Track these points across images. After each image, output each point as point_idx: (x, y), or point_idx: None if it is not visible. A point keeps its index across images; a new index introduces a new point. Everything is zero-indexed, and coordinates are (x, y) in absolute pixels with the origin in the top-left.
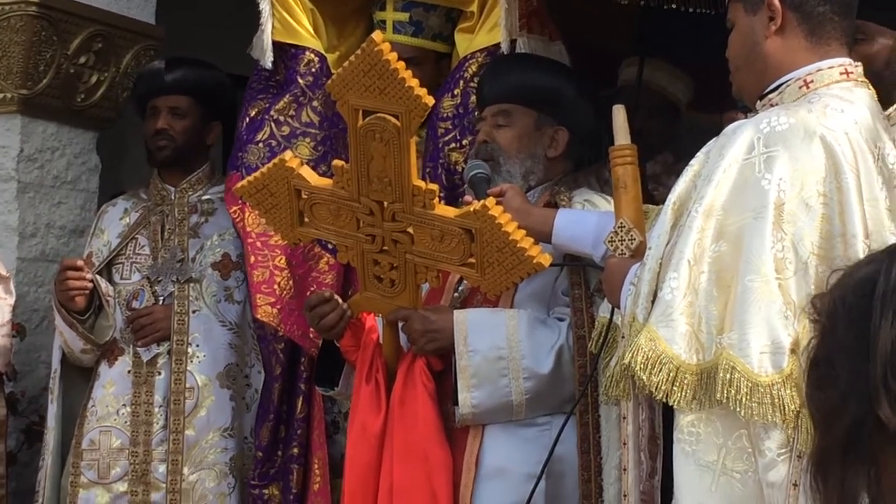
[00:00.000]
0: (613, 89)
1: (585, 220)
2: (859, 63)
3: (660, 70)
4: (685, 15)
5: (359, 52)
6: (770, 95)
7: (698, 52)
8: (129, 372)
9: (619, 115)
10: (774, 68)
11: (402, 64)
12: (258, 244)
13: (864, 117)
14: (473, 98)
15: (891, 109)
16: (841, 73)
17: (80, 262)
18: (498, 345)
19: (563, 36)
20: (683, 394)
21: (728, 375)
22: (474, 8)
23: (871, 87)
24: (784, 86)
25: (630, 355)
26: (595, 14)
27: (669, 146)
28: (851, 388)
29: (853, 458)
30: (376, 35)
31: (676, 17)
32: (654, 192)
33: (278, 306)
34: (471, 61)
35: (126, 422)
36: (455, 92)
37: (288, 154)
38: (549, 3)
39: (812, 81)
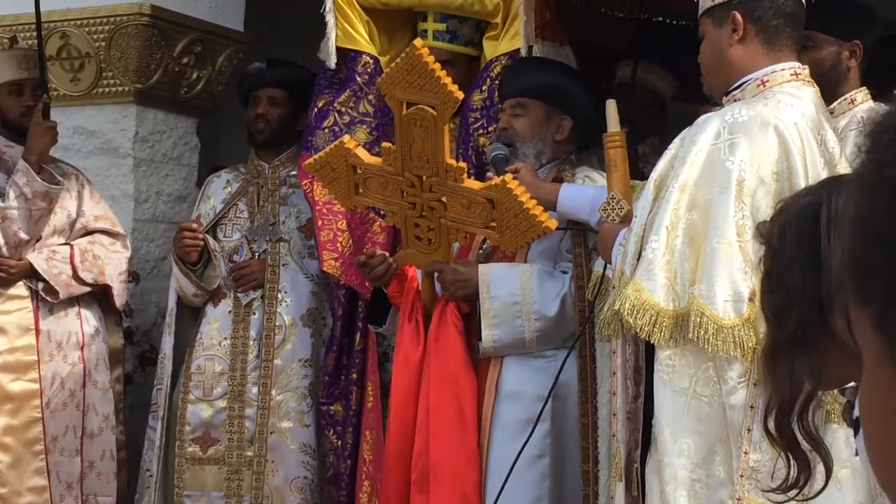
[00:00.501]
0: (611, 84)
1: (584, 193)
2: (806, 66)
3: (650, 71)
4: (671, 25)
5: (403, 55)
6: (734, 92)
7: (680, 54)
8: (229, 312)
9: (612, 107)
10: (737, 70)
11: (438, 65)
12: (324, 210)
13: (810, 111)
14: (496, 94)
15: (834, 104)
16: (791, 75)
17: (194, 225)
18: (514, 292)
19: (570, 38)
20: (662, 334)
21: (698, 319)
22: (499, 20)
23: (815, 85)
24: (745, 85)
25: (619, 302)
26: (599, 21)
27: (657, 132)
28: (800, 294)
29: (799, 351)
30: (417, 41)
31: (664, 26)
32: (644, 169)
33: (340, 261)
34: (495, 63)
35: (226, 351)
36: (483, 88)
37: (346, 137)
38: (560, 11)
39: (767, 81)
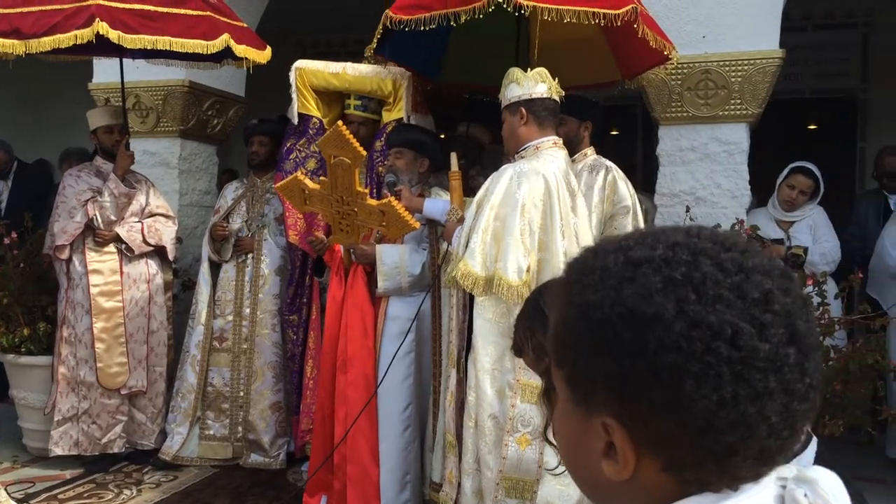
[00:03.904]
0: (454, 133)
1: (437, 204)
2: (560, 138)
3: (476, 128)
4: (489, 101)
5: (331, 130)
6: (521, 152)
7: (494, 117)
8: (234, 266)
9: (453, 156)
10: (523, 140)
11: (350, 135)
12: (290, 208)
13: (562, 165)
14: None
15: (576, 155)
16: (552, 143)
17: (224, 223)
18: (396, 261)
19: (432, 110)
20: (478, 289)
21: (498, 281)
22: (391, 99)
23: (565, 148)
24: (526, 148)
25: (455, 271)
26: (447, 98)
27: (479, 163)
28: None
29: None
30: (339, 123)
31: (485, 102)
32: (472, 185)
33: (298, 237)
34: (389, 125)
35: (232, 288)
36: (381, 139)
37: (299, 172)
38: (426, 95)
39: (539, 147)
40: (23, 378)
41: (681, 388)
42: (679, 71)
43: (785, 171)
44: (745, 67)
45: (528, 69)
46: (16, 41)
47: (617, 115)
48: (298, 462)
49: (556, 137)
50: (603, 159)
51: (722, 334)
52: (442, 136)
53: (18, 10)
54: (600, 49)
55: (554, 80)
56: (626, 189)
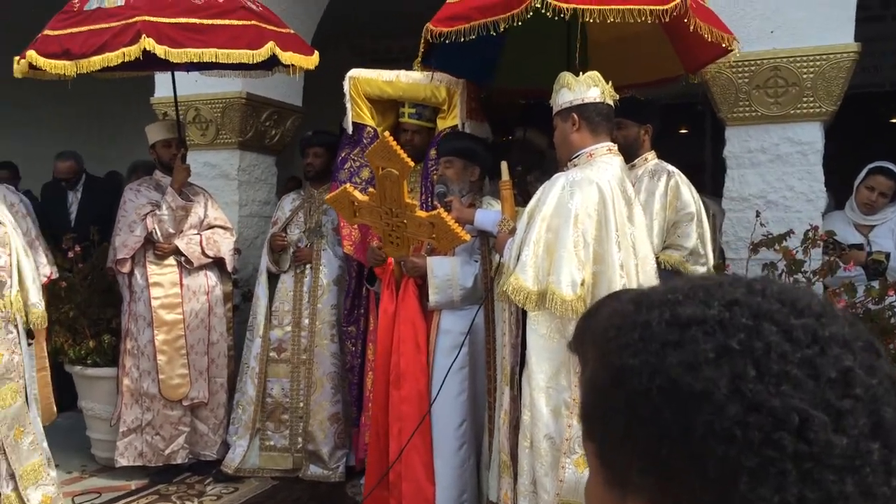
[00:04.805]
0: (511, 140)
1: (489, 215)
2: (616, 144)
3: (534, 133)
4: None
5: (378, 141)
6: (574, 160)
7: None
8: (293, 276)
9: (504, 165)
10: (575, 147)
11: (398, 145)
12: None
13: (617, 172)
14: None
15: (636, 160)
16: (607, 150)
17: (283, 234)
18: (447, 273)
19: (485, 117)
20: (531, 304)
21: (551, 296)
22: (445, 107)
23: (621, 155)
24: (579, 156)
25: (506, 286)
26: (502, 104)
27: (538, 168)
28: None
29: None
30: (386, 133)
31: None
32: (531, 190)
33: (354, 247)
34: (443, 132)
35: (290, 298)
36: (436, 147)
37: (348, 185)
38: (482, 103)
39: (593, 154)
40: (90, 389)
41: (733, 485)
42: (746, 68)
43: (863, 172)
44: (818, 63)
45: (582, 72)
46: (67, 62)
47: (683, 113)
48: (358, 475)
49: (610, 143)
50: (664, 164)
51: (787, 423)
52: (504, 140)
53: (68, 31)
54: (659, 43)
55: (608, 82)
56: (689, 194)
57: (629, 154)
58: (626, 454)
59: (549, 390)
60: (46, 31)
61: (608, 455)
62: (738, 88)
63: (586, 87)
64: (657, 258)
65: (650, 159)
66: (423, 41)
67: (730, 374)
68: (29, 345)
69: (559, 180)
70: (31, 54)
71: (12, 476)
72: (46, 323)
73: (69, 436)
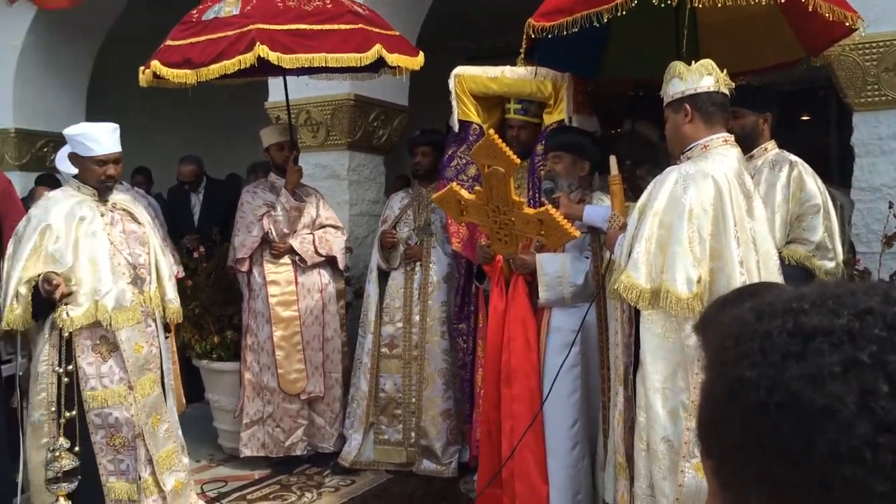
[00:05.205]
0: (619, 132)
1: (598, 211)
2: (732, 134)
3: (643, 125)
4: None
5: (483, 139)
6: (687, 153)
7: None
8: (403, 274)
9: (613, 160)
10: (689, 139)
11: (503, 143)
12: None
13: (734, 164)
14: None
15: (754, 150)
16: (723, 141)
17: (392, 231)
18: (557, 270)
19: (593, 110)
20: (644, 302)
21: (665, 294)
22: (552, 101)
23: (738, 146)
24: (693, 148)
25: (617, 284)
26: (612, 94)
27: (649, 160)
28: None
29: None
30: (491, 131)
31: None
32: (640, 184)
33: (462, 244)
34: (549, 127)
35: (401, 295)
36: (542, 142)
37: (454, 184)
38: (589, 96)
39: (707, 146)
40: (215, 382)
41: None
42: (874, 50)
43: None
44: None
45: (694, 60)
46: (188, 71)
47: (805, 99)
48: (471, 471)
49: (726, 134)
50: (786, 153)
51: None
52: (612, 133)
53: (188, 41)
54: (776, 25)
55: (722, 70)
56: (814, 185)
57: (747, 144)
58: (743, 474)
59: (666, 391)
60: (168, 42)
61: (725, 475)
62: (865, 71)
63: (699, 76)
64: (780, 253)
65: (770, 149)
66: (525, 37)
67: (858, 390)
68: (166, 338)
69: (672, 174)
70: (155, 64)
71: (150, 461)
72: (181, 318)
73: (197, 426)
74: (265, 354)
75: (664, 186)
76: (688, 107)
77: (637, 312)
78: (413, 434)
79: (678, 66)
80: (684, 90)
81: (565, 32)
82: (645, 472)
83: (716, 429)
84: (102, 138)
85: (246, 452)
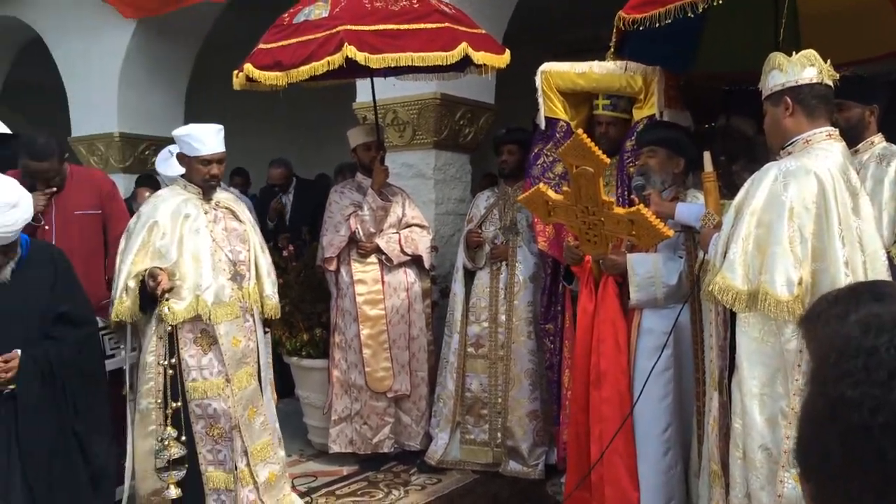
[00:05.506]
0: (713, 126)
1: (692, 209)
2: (836, 129)
3: (738, 119)
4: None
5: (571, 139)
6: (787, 148)
7: (758, 104)
8: (489, 273)
9: (707, 156)
10: (790, 133)
11: (592, 143)
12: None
13: (838, 160)
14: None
15: (860, 144)
16: (826, 135)
17: (479, 230)
18: (649, 271)
19: (685, 105)
20: (741, 305)
21: (764, 297)
22: (642, 96)
23: (843, 141)
24: (794, 143)
25: (712, 286)
26: (706, 88)
27: (746, 155)
28: None
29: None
30: (579, 131)
31: (747, 92)
32: (736, 181)
33: (548, 243)
34: (639, 123)
35: (487, 295)
36: (632, 138)
37: (541, 185)
38: (681, 90)
39: (810, 141)
40: (305, 379)
41: None
42: None
43: None
44: None
45: (795, 51)
46: (278, 73)
47: None
48: (559, 474)
49: (830, 128)
50: (894, 147)
51: None
52: (705, 127)
53: (279, 44)
54: (883, 12)
55: (826, 61)
56: None
57: (852, 138)
58: (842, 501)
59: (764, 397)
60: (261, 45)
61: (824, 500)
62: None
63: (800, 68)
64: (888, 253)
65: (877, 143)
66: (615, 30)
67: None
68: (265, 333)
69: (771, 170)
70: (248, 67)
71: (245, 452)
72: (279, 314)
73: (288, 421)
74: (353, 352)
75: (763, 183)
76: (788, 99)
77: (733, 315)
78: (499, 434)
79: (778, 57)
80: (784, 82)
81: (657, 24)
82: (741, 481)
83: (815, 451)
84: (207, 139)
85: (334, 449)
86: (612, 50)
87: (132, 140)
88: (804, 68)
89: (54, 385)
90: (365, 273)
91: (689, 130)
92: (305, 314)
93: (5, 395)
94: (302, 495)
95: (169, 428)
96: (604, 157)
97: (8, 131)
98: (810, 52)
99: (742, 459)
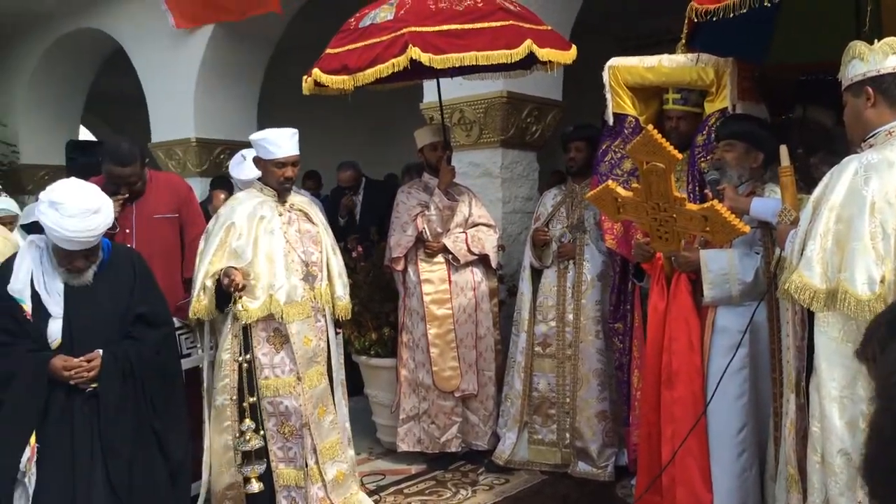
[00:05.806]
0: (790, 118)
1: (768, 204)
2: None
3: (815, 110)
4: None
5: (641, 135)
6: (869, 140)
7: (836, 94)
8: (556, 271)
9: (784, 150)
10: (870, 125)
11: (663, 139)
12: None
13: None
14: (712, 136)
15: None
16: None
17: (545, 229)
18: (723, 267)
19: (761, 98)
20: (819, 304)
21: (843, 296)
22: (713, 89)
23: None
24: (877, 135)
25: (788, 284)
26: (781, 79)
27: (824, 147)
28: None
29: None
30: (649, 127)
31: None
32: (815, 174)
33: (616, 241)
34: (711, 117)
35: (554, 294)
36: (703, 132)
37: (610, 182)
38: (757, 81)
39: (892, 132)
40: (373, 378)
41: None
42: None
43: None
44: None
45: (877, 39)
46: (345, 76)
47: None
48: (629, 475)
49: None
50: None
51: None
52: (781, 119)
53: (345, 48)
54: None
55: None
56: None
57: None
58: None
59: (844, 400)
60: (328, 50)
61: None
62: None
63: (883, 56)
64: None
65: None
66: (687, 21)
67: None
68: (336, 333)
69: (851, 164)
70: (316, 72)
71: (314, 450)
72: (350, 314)
73: (357, 420)
74: (420, 352)
75: (842, 177)
76: (870, 90)
77: (811, 314)
78: (567, 435)
79: (858, 45)
80: (866, 72)
81: (731, 15)
82: (819, 486)
83: (881, 469)
84: (282, 142)
85: (403, 447)
86: (683, 42)
87: (208, 145)
88: (887, 57)
89: (134, 384)
90: (432, 273)
91: (766, 123)
92: (374, 313)
93: (87, 393)
94: (370, 493)
95: (248, 420)
96: (675, 152)
97: (94, 139)
98: (893, 40)
99: (820, 464)
